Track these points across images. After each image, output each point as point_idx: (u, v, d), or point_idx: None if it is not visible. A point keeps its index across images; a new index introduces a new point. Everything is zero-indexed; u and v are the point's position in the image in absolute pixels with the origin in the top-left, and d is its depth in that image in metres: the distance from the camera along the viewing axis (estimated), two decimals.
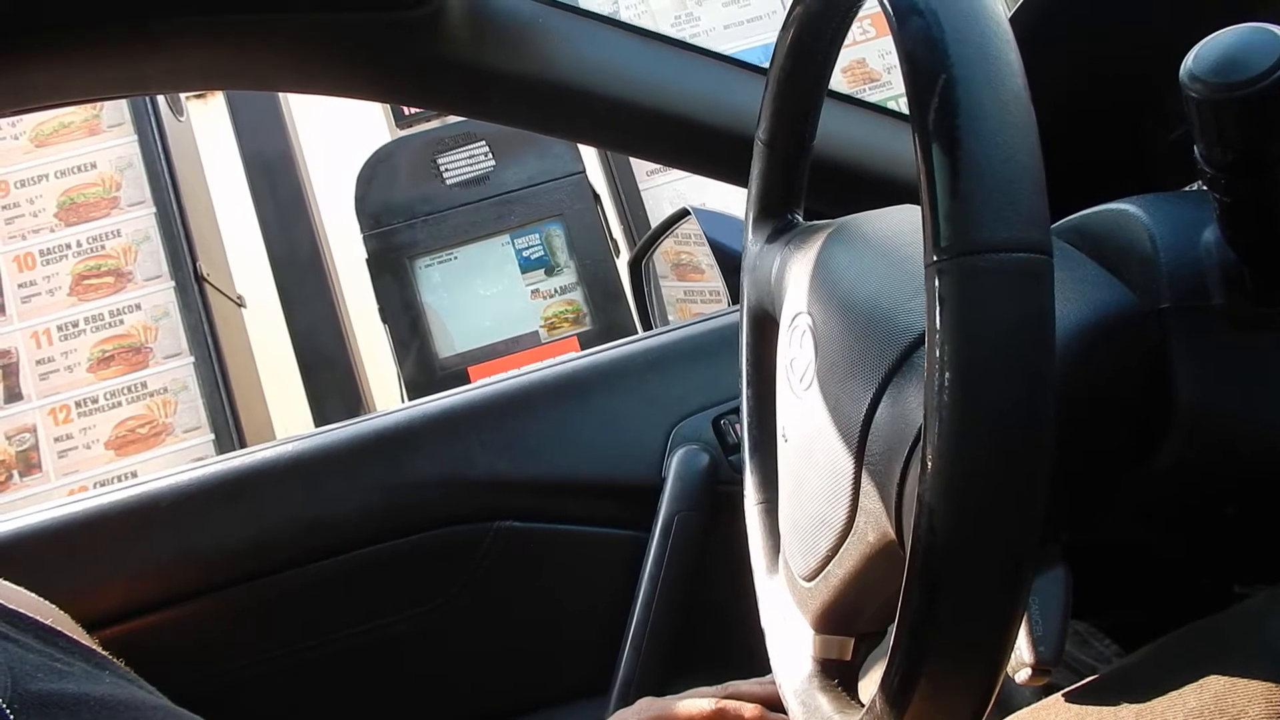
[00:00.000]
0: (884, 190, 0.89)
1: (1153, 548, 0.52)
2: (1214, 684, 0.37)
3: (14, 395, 2.49)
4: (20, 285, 2.54)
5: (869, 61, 2.84)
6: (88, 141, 2.62)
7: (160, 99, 2.63)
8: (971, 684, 0.34)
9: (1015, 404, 0.31)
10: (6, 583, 0.60)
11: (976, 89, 0.32)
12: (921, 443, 0.33)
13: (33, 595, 0.60)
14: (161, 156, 2.59)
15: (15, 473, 2.45)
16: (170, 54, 0.80)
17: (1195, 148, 0.39)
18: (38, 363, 2.50)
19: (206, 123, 3.15)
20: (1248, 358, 0.42)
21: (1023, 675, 0.39)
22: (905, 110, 0.36)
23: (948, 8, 0.34)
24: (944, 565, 0.33)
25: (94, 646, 0.59)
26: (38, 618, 0.56)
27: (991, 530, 0.32)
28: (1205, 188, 0.41)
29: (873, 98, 2.76)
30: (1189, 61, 0.37)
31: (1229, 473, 0.44)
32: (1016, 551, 0.32)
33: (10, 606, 0.56)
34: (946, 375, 0.31)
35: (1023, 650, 0.39)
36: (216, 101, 3.19)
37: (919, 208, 0.34)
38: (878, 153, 0.91)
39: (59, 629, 0.57)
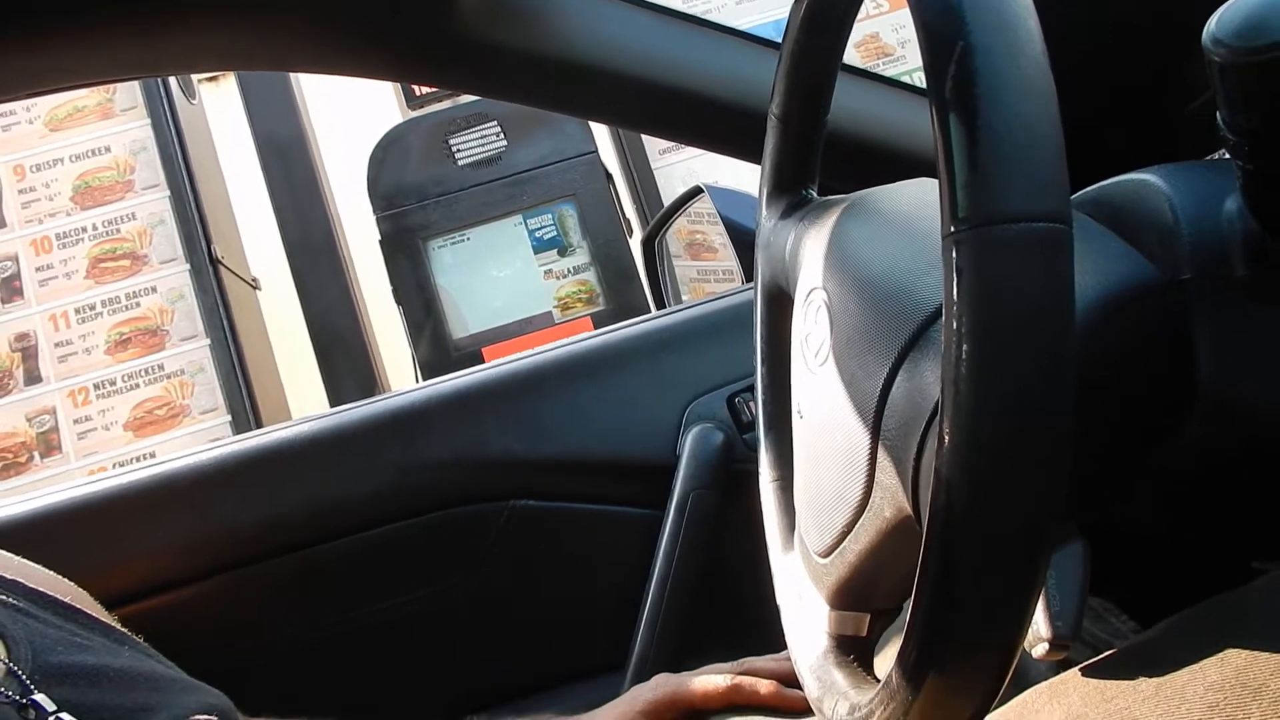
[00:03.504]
0: (899, 164, 0.89)
1: (1171, 522, 0.52)
2: (1235, 658, 0.36)
3: (34, 378, 2.51)
4: (38, 269, 2.56)
5: (882, 36, 2.81)
6: (101, 125, 2.62)
7: (172, 82, 2.63)
8: (989, 659, 0.34)
9: (1035, 377, 0.31)
10: (28, 561, 0.61)
11: (995, 57, 0.32)
12: (939, 417, 0.32)
13: (52, 574, 0.61)
14: (175, 139, 2.59)
15: (36, 454, 2.47)
16: (185, 35, 0.80)
17: (1218, 114, 0.38)
18: (56, 345, 2.52)
19: (219, 105, 3.15)
20: (1270, 329, 0.41)
21: (1040, 650, 0.39)
22: (919, 84, 0.36)
23: None
24: (961, 540, 0.32)
25: (113, 623, 0.60)
26: (57, 595, 0.57)
27: (1010, 505, 0.32)
28: (1228, 156, 0.40)
29: (886, 72, 2.73)
30: (1212, 25, 0.37)
31: (1249, 446, 0.44)
32: (1035, 526, 0.32)
33: (30, 585, 0.56)
34: (964, 348, 0.31)
35: (1040, 625, 0.39)
36: (228, 84, 3.19)
37: (934, 181, 0.33)
38: (892, 127, 0.90)
39: (78, 606, 0.57)
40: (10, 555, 0.61)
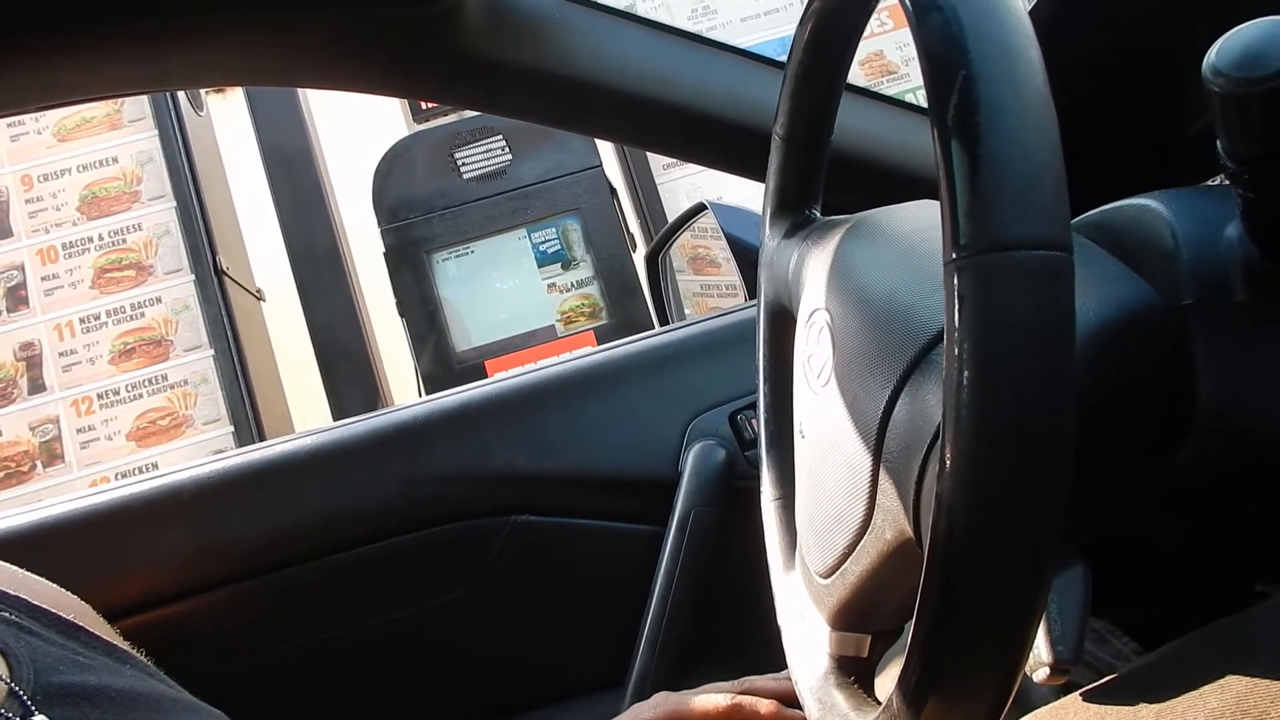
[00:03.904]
0: (902, 184, 0.89)
1: (1173, 545, 0.52)
2: (1235, 684, 0.36)
3: (37, 387, 2.51)
4: (43, 278, 2.57)
5: (886, 54, 2.82)
6: (109, 136, 2.64)
7: (180, 94, 2.65)
8: (989, 683, 0.34)
9: (1034, 402, 0.31)
10: (30, 575, 0.61)
11: (996, 85, 0.32)
12: (940, 440, 0.33)
13: (56, 588, 0.61)
14: (181, 151, 2.61)
15: (39, 463, 2.48)
16: (192, 50, 0.81)
17: (1218, 142, 0.39)
18: (60, 355, 2.53)
19: (226, 118, 3.17)
20: (1271, 354, 0.41)
21: (1041, 674, 0.39)
22: (924, 104, 0.36)
23: (967, 3, 0.33)
24: (962, 563, 0.32)
25: (116, 641, 0.59)
26: (60, 612, 0.57)
27: (1010, 529, 0.32)
28: (1228, 182, 0.40)
29: (891, 90, 2.74)
30: (1212, 55, 0.37)
31: (1251, 469, 0.44)
32: (1035, 550, 0.32)
33: (33, 601, 0.56)
34: (965, 374, 0.31)
35: (1041, 649, 0.39)
36: (236, 97, 3.21)
37: (937, 203, 0.34)
38: (896, 147, 0.90)
39: (81, 623, 0.57)
40: (13, 568, 0.60)
